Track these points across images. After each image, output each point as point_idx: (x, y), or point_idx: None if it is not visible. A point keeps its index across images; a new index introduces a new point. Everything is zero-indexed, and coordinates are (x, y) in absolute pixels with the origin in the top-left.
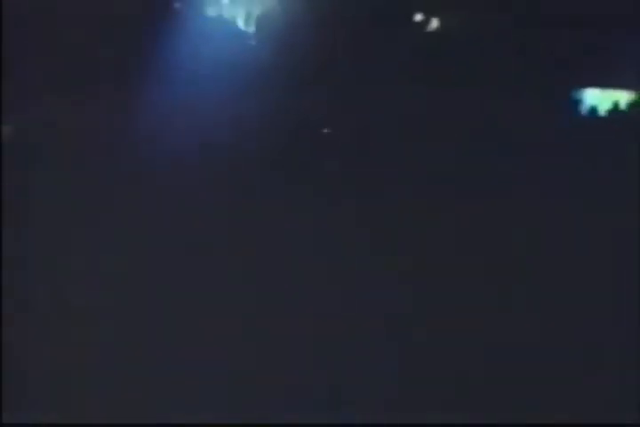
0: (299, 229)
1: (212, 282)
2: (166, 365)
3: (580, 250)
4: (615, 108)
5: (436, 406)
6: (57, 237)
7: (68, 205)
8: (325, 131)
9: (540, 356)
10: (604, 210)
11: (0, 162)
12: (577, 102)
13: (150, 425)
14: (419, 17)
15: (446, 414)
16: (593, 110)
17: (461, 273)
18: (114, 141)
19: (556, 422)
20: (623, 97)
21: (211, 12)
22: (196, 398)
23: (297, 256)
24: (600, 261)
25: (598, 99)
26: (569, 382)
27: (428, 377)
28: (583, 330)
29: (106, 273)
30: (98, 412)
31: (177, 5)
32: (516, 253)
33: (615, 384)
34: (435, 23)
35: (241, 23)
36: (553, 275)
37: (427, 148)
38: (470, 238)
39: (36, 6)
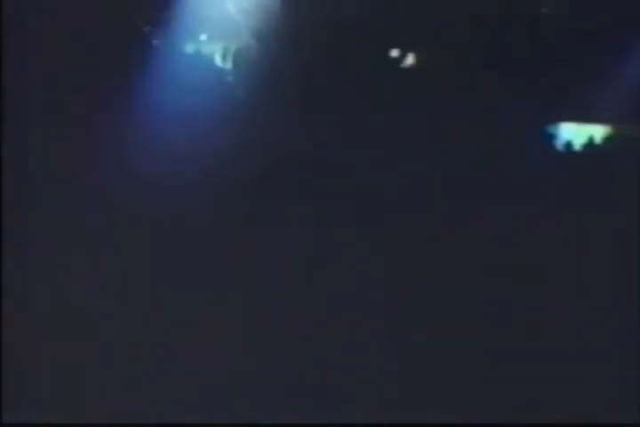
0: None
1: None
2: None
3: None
4: (590, 143)
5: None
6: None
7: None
8: (304, 157)
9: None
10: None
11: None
12: (553, 137)
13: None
14: (396, 53)
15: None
16: (569, 145)
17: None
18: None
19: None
20: (599, 131)
21: (189, 48)
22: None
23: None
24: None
25: (574, 133)
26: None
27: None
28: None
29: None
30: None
31: (155, 41)
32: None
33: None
34: (412, 59)
35: (218, 59)
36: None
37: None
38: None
39: None
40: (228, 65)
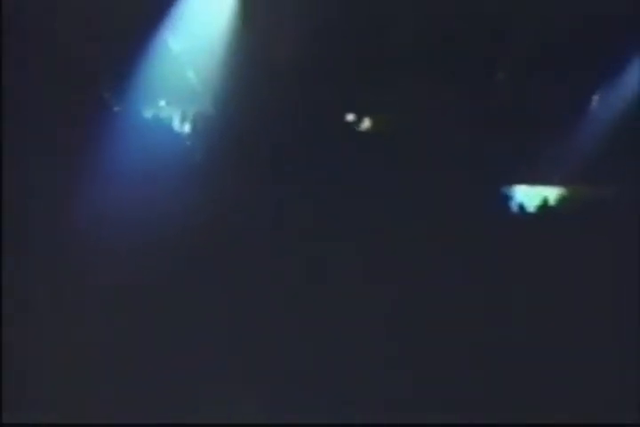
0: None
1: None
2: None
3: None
4: (544, 204)
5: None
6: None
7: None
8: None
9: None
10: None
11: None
12: (507, 199)
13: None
14: (352, 117)
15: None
16: (522, 207)
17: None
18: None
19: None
20: (552, 193)
21: (148, 113)
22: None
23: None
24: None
25: (527, 195)
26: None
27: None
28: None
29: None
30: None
31: (115, 106)
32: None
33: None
34: (369, 124)
35: (177, 124)
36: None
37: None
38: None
39: None
40: (186, 129)
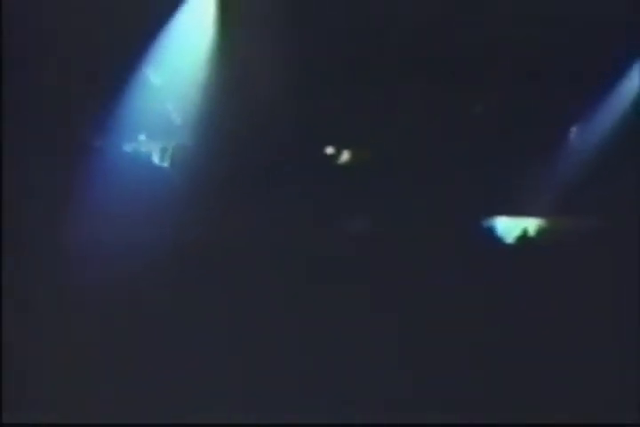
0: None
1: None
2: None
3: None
4: (524, 236)
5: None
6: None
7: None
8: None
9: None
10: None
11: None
12: (489, 229)
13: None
14: (330, 149)
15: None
16: (502, 238)
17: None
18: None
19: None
20: (532, 224)
21: (128, 147)
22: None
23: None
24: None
25: (508, 226)
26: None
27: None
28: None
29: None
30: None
31: (96, 142)
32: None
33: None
34: (347, 156)
35: (156, 158)
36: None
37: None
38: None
39: None
40: (166, 163)
